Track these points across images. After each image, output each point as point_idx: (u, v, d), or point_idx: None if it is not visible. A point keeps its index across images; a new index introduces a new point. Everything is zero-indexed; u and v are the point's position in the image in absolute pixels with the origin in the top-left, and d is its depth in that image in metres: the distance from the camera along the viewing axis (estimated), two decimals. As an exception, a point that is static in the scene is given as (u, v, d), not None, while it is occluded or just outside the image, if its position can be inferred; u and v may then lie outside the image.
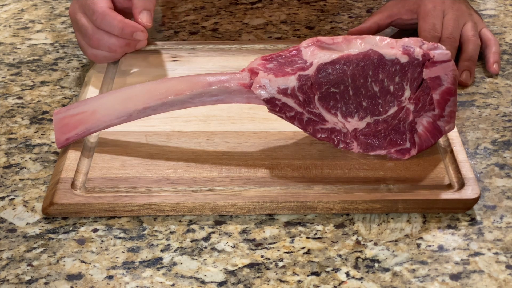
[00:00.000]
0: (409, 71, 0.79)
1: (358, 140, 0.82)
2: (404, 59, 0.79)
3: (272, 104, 0.80)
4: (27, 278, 0.71)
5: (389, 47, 0.79)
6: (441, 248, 0.75)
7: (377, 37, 0.80)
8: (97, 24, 0.93)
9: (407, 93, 0.80)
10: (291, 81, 0.79)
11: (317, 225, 0.77)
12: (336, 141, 0.83)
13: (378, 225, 0.77)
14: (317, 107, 0.80)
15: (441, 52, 0.79)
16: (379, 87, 0.80)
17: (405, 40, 0.80)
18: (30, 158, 0.87)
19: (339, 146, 0.83)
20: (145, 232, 0.77)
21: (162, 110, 0.82)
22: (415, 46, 0.80)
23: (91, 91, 0.94)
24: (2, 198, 0.81)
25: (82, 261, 0.73)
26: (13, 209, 0.80)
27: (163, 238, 0.76)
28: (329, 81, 0.79)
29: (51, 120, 0.93)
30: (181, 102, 0.81)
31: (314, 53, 0.80)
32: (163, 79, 0.83)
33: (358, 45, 0.79)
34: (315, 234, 0.76)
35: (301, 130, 0.87)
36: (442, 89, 0.80)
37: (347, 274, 0.72)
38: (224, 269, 0.72)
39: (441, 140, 0.86)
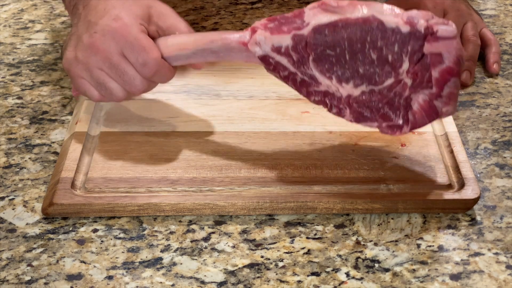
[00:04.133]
0: (410, 43, 0.75)
1: (351, 107, 0.79)
2: (405, 29, 0.75)
3: (267, 62, 0.79)
4: (27, 278, 0.71)
5: (392, 15, 0.75)
6: (441, 248, 0.75)
7: (384, 5, 0.76)
8: (147, 76, 0.80)
9: (406, 65, 0.76)
10: (286, 40, 0.77)
11: (317, 225, 0.77)
12: (330, 105, 0.80)
13: (378, 225, 0.77)
14: (311, 68, 0.78)
15: (446, 28, 0.75)
16: (377, 55, 0.76)
17: (414, 11, 0.76)
18: (30, 158, 0.87)
19: (332, 110, 0.80)
20: (145, 232, 0.77)
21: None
22: (421, 18, 0.75)
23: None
24: (2, 198, 0.81)
25: (82, 261, 0.73)
26: (13, 209, 0.80)
27: (163, 238, 0.76)
28: (325, 42, 0.77)
29: (51, 120, 0.93)
30: (184, 57, 0.80)
31: (316, 15, 0.78)
32: (171, 36, 0.82)
33: (361, 11, 0.76)
34: (315, 234, 0.76)
35: (301, 130, 0.87)
36: (443, 67, 0.75)
37: (347, 274, 0.72)
38: (224, 269, 0.72)
39: (441, 140, 0.86)
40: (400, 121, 0.78)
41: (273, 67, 0.79)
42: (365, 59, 0.77)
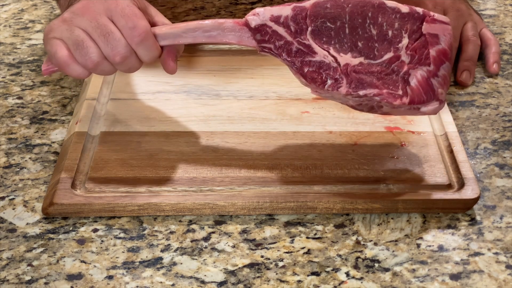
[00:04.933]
0: (409, 22, 0.78)
1: (349, 76, 0.78)
2: (405, 9, 0.78)
3: (262, 32, 0.78)
4: (27, 278, 0.71)
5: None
6: (441, 248, 0.75)
7: None
8: (133, 41, 0.77)
9: (405, 41, 0.78)
10: (286, 10, 0.78)
11: (317, 225, 0.77)
12: (324, 77, 0.78)
13: (378, 225, 0.78)
14: (308, 38, 0.78)
15: (441, 15, 0.79)
16: (377, 30, 0.78)
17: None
18: (30, 158, 0.87)
19: (327, 83, 0.78)
20: (145, 232, 0.77)
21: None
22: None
23: (91, 91, 0.94)
24: (2, 198, 0.81)
25: (82, 261, 0.73)
26: (13, 209, 0.80)
27: (163, 238, 0.76)
28: (325, 14, 0.78)
29: (51, 120, 0.93)
30: (173, 35, 0.79)
31: None
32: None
33: None
34: (315, 234, 0.76)
35: (301, 130, 0.87)
36: (439, 48, 0.78)
37: (347, 274, 0.72)
38: (224, 269, 0.72)
39: (441, 140, 0.86)
40: (400, 92, 0.78)
41: (268, 37, 0.78)
42: (364, 34, 0.78)
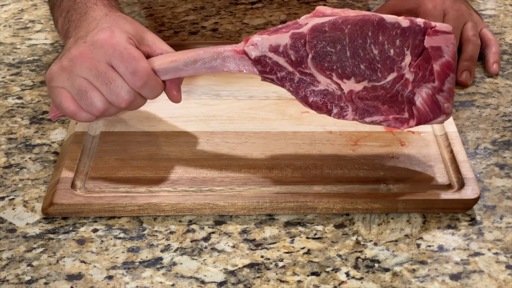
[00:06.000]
0: (411, 37, 0.76)
1: (354, 104, 0.78)
2: (405, 23, 0.76)
3: (263, 64, 0.77)
4: (27, 278, 0.71)
5: (390, 15, 0.77)
6: (441, 248, 0.75)
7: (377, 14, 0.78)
8: (136, 86, 0.77)
9: (408, 59, 0.77)
10: (284, 39, 0.76)
11: (317, 225, 0.77)
12: (330, 106, 0.78)
13: (378, 225, 0.78)
14: (309, 67, 0.77)
15: (442, 24, 0.77)
16: (379, 50, 0.77)
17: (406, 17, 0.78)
18: (30, 158, 0.87)
19: (333, 112, 0.78)
20: (145, 232, 0.77)
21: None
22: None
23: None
24: (2, 198, 0.81)
25: (82, 261, 0.73)
26: (13, 209, 0.80)
27: (163, 238, 0.76)
28: (325, 39, 0.76)
29: (51, 120, 0.93)
30: (174, 69, 0.79)
31: (313, 20, 0.78)
32: (162, 54, 0.81)
33: (358, 12, 0.77)
34: (315, 234, 0.76)
35: (301, 130, 0.87)
36: (443, 61, 0.76)
37: (347, 274, 0.72)
38: (224, 269, 0.72)
39: (441, 140, 0.86)
40: (406, 115, 0.77)
41: (269, 68, 0.78)
42: (366, 55, 0.77)
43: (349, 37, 0.76)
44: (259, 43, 0.77)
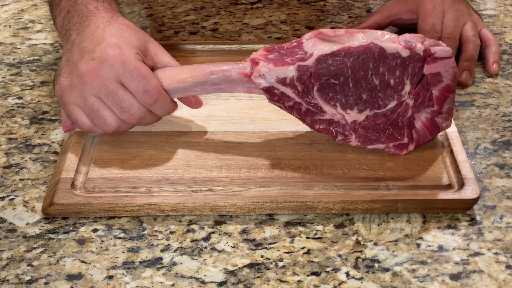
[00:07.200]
0: (410, 66, 0.79)
1: (357, 132, 0.82)
2: (405, 53, 0.79)
3: (271, 94, 0.80)
4: (27, 278, 0.71)
5: (390, 41, 0.79)
6: (441, 248, 0.75)
7: (379, 32, 0.80)
8: (147, 104, 0.79)
9: (407, 88, 0.80)
10: (290, 71, 0.79)
11: (317, 225, 0.77)
12: (335, 133, 0.82)
13: (378, 225, 0.78)
14: (315, 97, 0.80)
15: (442, 48, 0.79)
16: (380, 80, 0.80)
17: (407, 35, 0.80)
18: (30, 158, 0.87)
19: (337, 138, 0.83)
20: (145, 232, 0.77)
21: None
22: (417, 41, 0.79)
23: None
24: (2, 198, 0.81)
25: (82, 261, 0.73)
26: (13, 209, 0.80)
27: (163, 238, 0.76)
28: (329, 72, 0.79)
29: (51, 120, 0.93)
30: (183, 89, 0.82)
31: (315, 45, 0.80)
32: (168, 68, 0.83)
33: (359, 39, 0.79)
34: (315, 234, 0.76)
35: (301, 130, 0.87)
36: (442, 85, 0.80)
37: (347, 274, 0.72)
38: (224, 269, 0.72)
39: (441, 140, 0.86)
40: (406, 140, 0.82)
41: (277, 98, 0.81)
42: (368, 85, 0.80)
43: (351, 69, 0.79)
44: (266, 74, 0.80)
